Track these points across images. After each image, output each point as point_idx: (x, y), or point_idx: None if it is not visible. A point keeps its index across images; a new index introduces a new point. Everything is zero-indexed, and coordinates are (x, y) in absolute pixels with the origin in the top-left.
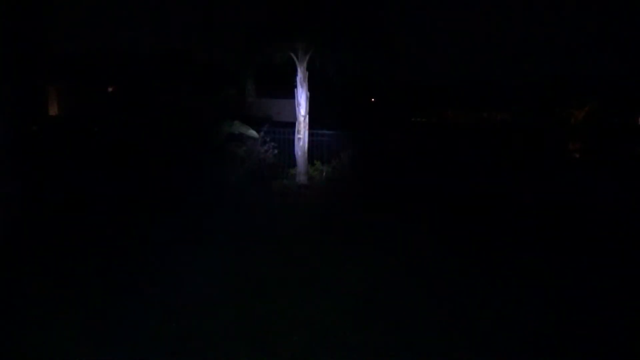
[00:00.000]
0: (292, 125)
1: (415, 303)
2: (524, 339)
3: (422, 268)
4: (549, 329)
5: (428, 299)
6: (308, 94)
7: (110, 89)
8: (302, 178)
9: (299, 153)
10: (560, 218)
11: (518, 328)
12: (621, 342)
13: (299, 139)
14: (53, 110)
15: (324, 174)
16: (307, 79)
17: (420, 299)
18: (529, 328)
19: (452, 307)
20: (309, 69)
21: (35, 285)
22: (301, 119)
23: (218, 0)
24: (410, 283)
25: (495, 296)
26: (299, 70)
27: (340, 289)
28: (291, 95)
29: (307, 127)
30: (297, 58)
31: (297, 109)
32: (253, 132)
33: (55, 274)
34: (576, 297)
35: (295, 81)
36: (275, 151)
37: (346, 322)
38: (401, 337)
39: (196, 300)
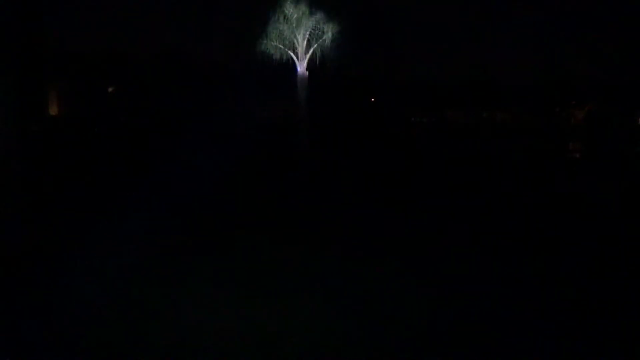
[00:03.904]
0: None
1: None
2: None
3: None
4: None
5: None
6: (308, 93)
7: (110, 89)
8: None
9: (299, 152)
10: (559, 216)
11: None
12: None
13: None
14: (53, 110)
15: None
16: (307, 79)
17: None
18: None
19: None
20: (308, 68)
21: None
22: (301, 118)
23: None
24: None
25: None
26: (299, 69)
27: None
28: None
29: (307, 127)
30: (297, 57)
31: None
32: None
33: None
34: (572, 296)
35: (296, 81)
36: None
37: None
38: None
39: None
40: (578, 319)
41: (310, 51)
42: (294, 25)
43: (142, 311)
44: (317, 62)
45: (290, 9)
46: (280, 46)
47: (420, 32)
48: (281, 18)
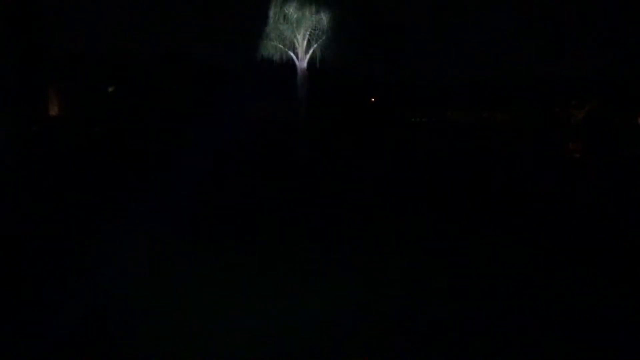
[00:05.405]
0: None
1: None
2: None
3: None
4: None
5: None
6: (308, 93)
7: (110, 89)
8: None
9: (299, 151)
10: (559, 216)
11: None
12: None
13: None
14: (53, 110)
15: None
16: (307, 79)
17: None
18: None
19: None
20: (308, 68)
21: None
22: (301, 118)
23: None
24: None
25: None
26: (299, 69)
27: None
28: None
29: (307, 127)
30: (297, 57)
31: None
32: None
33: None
34: (571, 299)
35: (296, 81)
36: None
37: None
38: None
39: None
40: (575, 320)
41: (310, 51)
42: (294, 25)
43: (141, 312)
44: (317, 62)
45: (290, 9)
46: (280, 46)
47: (420, 32)
48: (281, 18)
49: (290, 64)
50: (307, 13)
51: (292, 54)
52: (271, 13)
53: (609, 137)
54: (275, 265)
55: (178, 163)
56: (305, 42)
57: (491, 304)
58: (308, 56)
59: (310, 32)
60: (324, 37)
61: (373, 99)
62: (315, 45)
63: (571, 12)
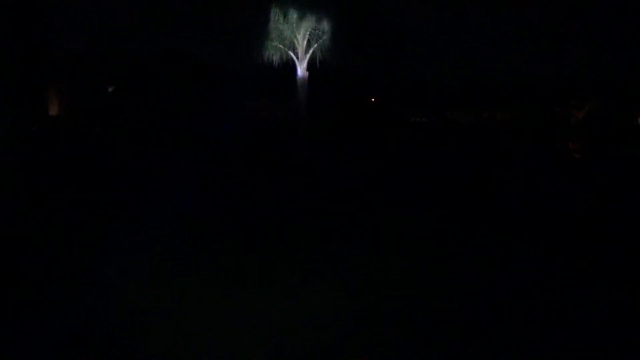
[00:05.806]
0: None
1: None
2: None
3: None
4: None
5: None
6: (308, 94)
7: (110, 89)
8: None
9: (299, 152)
10: (558, 216)
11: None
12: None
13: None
14: (53, 110)
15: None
16: (307, 79)
17: None
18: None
19: None
20: (308, 68)
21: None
22: (301, 118)
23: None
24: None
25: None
26: (299, 69)
27: None
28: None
29: (307, 127)
30: (297, 58)
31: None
32: None
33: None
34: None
35: (296, 81)
36: None
37: None
38: None
39: None
40: (575, 320)
41: (310, 51)
42: (294, 25)
43: (141, 312)
44: (317, 62)
45: (290, 9)
46: (280, 46)
47: (420, 32)
48: (281, 18)
49: (290, 64)
50: (307, 13)
51: (292, 54)
52: (271, 13)
53: (609, 137)
54: (276, 265)
55: (178, 163)
56: (305, 42)
57: (491, 304)
58: (308, 56)
59: (310, 32)
60: (324, 37)
61: (373, 99)
62: (315, 46)
63: (571, 12)
